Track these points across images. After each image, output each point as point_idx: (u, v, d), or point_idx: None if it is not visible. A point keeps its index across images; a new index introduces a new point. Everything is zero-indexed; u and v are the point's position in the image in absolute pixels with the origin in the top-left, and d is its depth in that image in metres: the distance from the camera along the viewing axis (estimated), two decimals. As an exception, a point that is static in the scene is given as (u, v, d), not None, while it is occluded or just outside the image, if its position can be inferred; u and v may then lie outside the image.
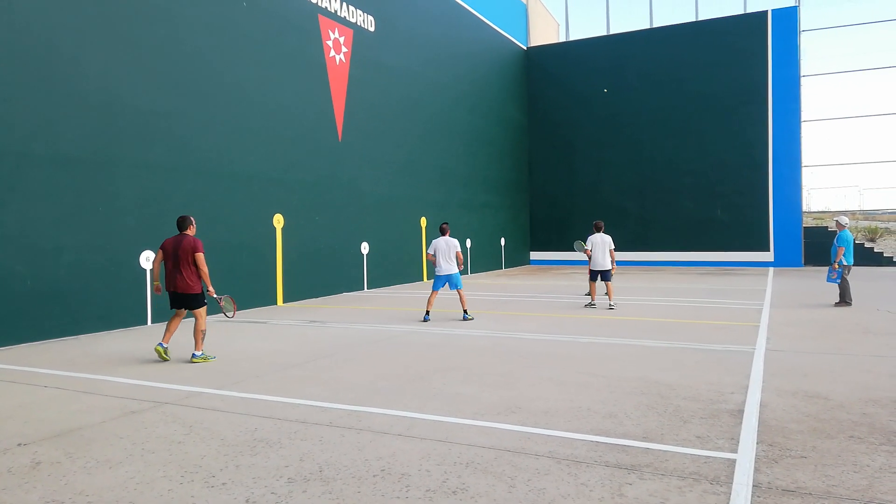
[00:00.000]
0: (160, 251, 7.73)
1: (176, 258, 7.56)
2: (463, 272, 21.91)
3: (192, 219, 7.87)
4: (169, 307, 7.89)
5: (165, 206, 11.13)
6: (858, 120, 25.78)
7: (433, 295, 11.16)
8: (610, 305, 12.29)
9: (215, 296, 7.82)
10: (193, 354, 7.64)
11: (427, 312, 10.88)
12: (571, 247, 26.93)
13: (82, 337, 9.65)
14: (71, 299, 9.66)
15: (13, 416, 5.37)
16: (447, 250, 10.97)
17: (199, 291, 7.69)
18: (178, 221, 7.82)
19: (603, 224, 13.10)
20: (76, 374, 7.03)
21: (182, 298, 7.65)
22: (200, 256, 7.57)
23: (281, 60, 13.94)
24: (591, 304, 12.71)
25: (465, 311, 10.95)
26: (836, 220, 12.44)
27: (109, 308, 10.19)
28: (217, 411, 5.43)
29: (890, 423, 4.87)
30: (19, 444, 4.63)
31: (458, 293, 11.06)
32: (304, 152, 14.60)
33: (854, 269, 22.27)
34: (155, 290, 7.89)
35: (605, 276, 12.57)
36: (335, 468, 4.07)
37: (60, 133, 9.59)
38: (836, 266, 12.12)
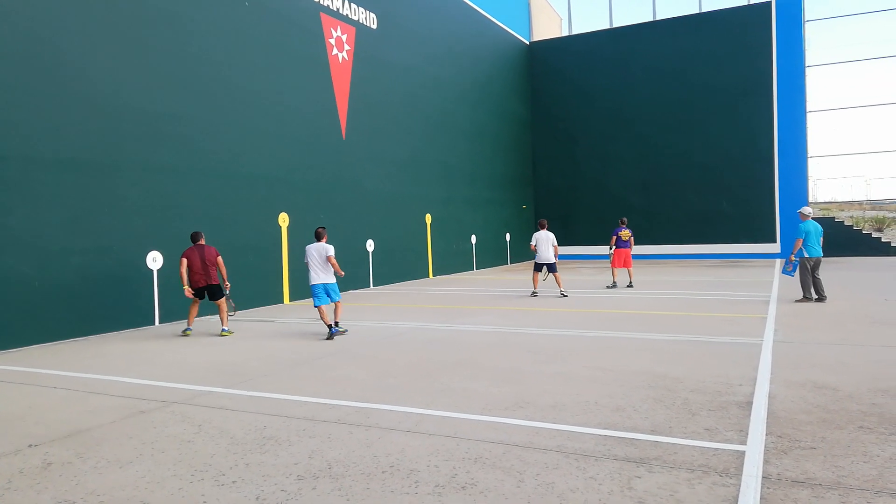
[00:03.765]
0: (184, 259, 9.62)
1: (204, 262, 9.70)
2: (467, 268, 21.92)
3: (202, 232, 10.14)
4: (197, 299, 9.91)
5: (172, 208, 11.17)
6: (864, 109, 25.66)
7: (322, 310, 9.41)
8: (562, 293, 13.58)
9: (228, 291, 9.99)
10: (223, 329, 9.75)
11: (330, 326, 9.26)
12: (577, 241, 26.97)
13: (91, 338, 9.70)
14: (79, 301, 9.71)
15: (24, 418, 5.40)
16: (320, 258, 9.48)
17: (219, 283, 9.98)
18: (192, 235, 9.95)
19: (546, 222, 14.77)
20: (85, 374, 7.07)
21: (213, 289, 9.84)
22: (220, 259, 9.96)
23: (284, 60, 13.95)
24: (534, 294, 13.89)
25: (335, 324, 9.44)
26: (800, 212, 11.97)
27: (117, 309, 10.23)
28: (226, 410, 5.45)
29: (900, 413, 4.85)
30: (30, 445, 4.66)
31: (336, 305, 9.62)
32: (308, 151, 14.62)
33: (861, 259, 22.19)
34: (188, 293, 9.74)
35: (552, 267, 13.79)
36: (344, 465, 4.08)
37: (66, 136, 9.63)
38: (793, 259, 11.72)
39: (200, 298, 9.88)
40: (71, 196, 9.67)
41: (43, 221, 9.28)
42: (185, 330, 9.77)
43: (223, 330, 9.70)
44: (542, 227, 14.14)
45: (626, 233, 15.35)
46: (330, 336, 9.09)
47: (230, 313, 10.21)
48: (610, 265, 15.49)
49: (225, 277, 9.94)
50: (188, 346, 8.78)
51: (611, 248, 15.40)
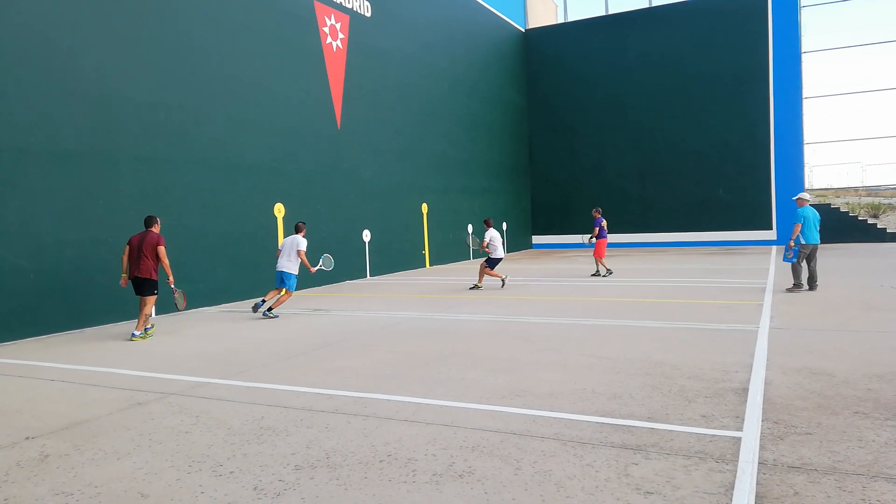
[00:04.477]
0: (127, 246, 8.77)
1: (140, 250, 8.60)
2: (464, 258, 21.91)
3: (157, 218, 9.04)
4: (134, 294, 8.94)
5: (166, 199, 11.12)
6: (860, 95, 25.62)
7: (272, 294, 10.58)
8: (504, 281, 13.58)
9: (173, 286, 8.92)
10: (133, 333, 8.64)
11: (264, 301, 10.42)
12: (574, 231, 26.90)
13: (87, 330, 9.68)
14: (75, 293, 9.68)
15: (21, 410, 5.40)
16: (290, 248, 10.45)
17: (154, 279, 8.74)
18: (144, 220, 9.01)
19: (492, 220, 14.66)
20: (82, 367, 7.06)
21: (140, 283, 8.66)
22: (162, 249, 8.68)
23: (278, 49, 13.85)
24: (504, 284, 13.61)
25: (271, 308, 10.36)
26: (798, 198, 11.68)
27: (113, 301, 10.20)
28: (223, 401, 5.45)
29: (895, 399, 4.87)
30: (27, 438, 4.66)
31: (284, 292, 10.55)
32: (303, 141, 14.55)
33: (857, 245, 22.25)
34: (122, 282, 8.88)
35: (499, 262, 13.72)
36: (342, 454, 4.09)
37: (59, 128, 9.57)
38: (792, 244, 11.39)
39: (137, 294, 8.80)
40: (65, 188, 9.61)
41: (37, 214, 9.24)
42: (146, 329, 8.73)
43: (133, 334, 8.62)
44: (491, 226, 13.96)
45: (604, 222, 15.49)
46: (254, 308, 10.26)
47: (180, 309, 9.40)
48: (594, 255, 15.38)
49: (168, 272, 8.74)
50: (185, 338, 8.77)
51: (592, 238, 15.41)
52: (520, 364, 6.44)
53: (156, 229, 8.86)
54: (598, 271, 15.29)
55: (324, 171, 15.21)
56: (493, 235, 13.67)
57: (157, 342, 8.49)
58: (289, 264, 10.43)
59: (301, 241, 10.45)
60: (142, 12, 10.85)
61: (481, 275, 13.55)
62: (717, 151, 24.77)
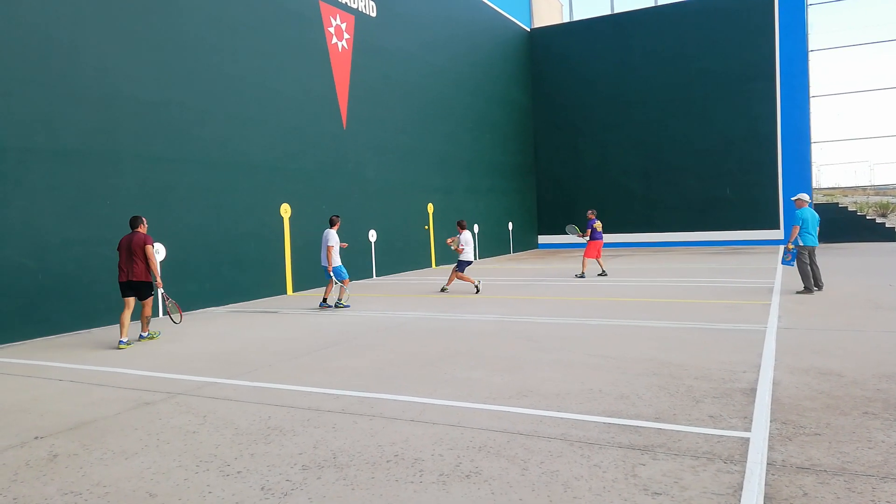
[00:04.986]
0: (118, 251, 8.53)
1: (130, 252, 8.35)
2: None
3: (143, 218, 8.70)
4: (121, 296, 8.57)
5: (169, 198, 11.15)
6: (868, 94, 25.48)
7: (337, 284, 11.26)
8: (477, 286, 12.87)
9: (161, 290, 8.86)
10: (141, 335, 8.68)
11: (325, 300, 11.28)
12: (579, 230, 26.79)
13: (94, 330, 9.72)
14: (81, 293, 9.72)
15: (29, 410, 5.42)
16: (322, 244, 11.19)
17: (149, 280, 8.52)
18: (130, 221, 8.65)
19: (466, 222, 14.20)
20: (89, 367, 7.09)
21: (135, 286, 8.42)
22: (150, 249, 8.42)
23: (284, 49, 13.87)
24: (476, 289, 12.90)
25: (324, 299, 11.29)
26: (797, 199, 11.39)
27: (118, 301, 10.17)
28: (230, 401, 5.46)
29: (904, 399, 4.84)
30: (36, 438, 4.68)
31: (334, 283, 11.25)
32: (309, 140, 14.57)
33: (865, 244, 22.14)
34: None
35: (468, 265, 13.29)
36: (349, 454, 4.09)
37: (62, 127, 9.59)
38: (790, 247, 11.18)
39: (125, 296, 8.43)
40: (68, 187, 9.64)
41: (41, 213, 9.27)
42: (119, 343, 8.15)
43: (141, 336, 8.63)
44: (465, 228, 13.63)
45: (599, 224, 15.44)
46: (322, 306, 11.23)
47: (175, 321, 9.08)
48: (584, 255, 15.39)
49: (156, 273, 8.43)
50: (191, 338, 8.79)
51: (585, 237, 15.41)
52: (525, 364, 6.43)
53: (142, 229, 8.53)
54: (603, 271, 15.23)
55: (329, 171, 15.22)
56: (465, 238, 13.36)
57: (163, 342, 8.52)
58: (324, 259, 11.14)
59: (329, 237, 11.07)
60: (145, 11, 10.87)
61: (450, 278, 13.15)
62: (722, 150, 24.65)
